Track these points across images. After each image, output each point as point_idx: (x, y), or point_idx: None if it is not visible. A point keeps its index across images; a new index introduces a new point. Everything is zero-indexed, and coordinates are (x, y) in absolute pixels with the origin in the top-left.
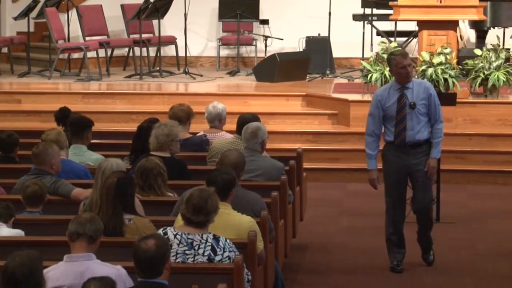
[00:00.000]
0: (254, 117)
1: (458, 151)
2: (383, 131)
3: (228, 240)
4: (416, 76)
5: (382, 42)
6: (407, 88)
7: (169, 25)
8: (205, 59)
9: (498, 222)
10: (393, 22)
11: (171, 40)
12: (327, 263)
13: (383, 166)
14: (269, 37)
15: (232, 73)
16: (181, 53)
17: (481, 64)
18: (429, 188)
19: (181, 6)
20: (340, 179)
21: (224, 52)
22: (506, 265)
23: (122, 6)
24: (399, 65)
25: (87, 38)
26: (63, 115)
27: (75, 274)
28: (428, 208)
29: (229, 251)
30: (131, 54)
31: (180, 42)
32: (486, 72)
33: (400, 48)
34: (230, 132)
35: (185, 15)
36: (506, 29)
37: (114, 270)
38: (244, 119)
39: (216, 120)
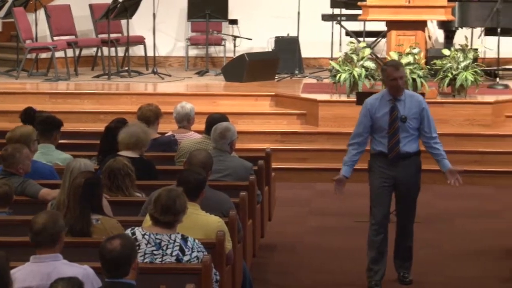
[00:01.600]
0: (223, 117)
1: (425, 151)
2: (369, 141)
3: (196, 240)
4: None
5: (351, 42)
6: (399, 100)
7: (138, 25)
8: (173, 59)
9: (465, 222)
10: (362, 22)
11: (140, 40)
12: (295, 263)
13: (369, 178)
14: (238, 37)
15: (201, 73)
16: (150, 53)
17: (449, 64)
18: (414, 201)
19: (149, 6)
20: (309, 179)
21: (193, 52)
22: (474, 265)
23: (91, 6)
24: (389, 77)
25: (55, 38)
26: (28, 117)
27: (42, 275)
28: (411, 223)
29: (198, 251)
30: (99, 54)
31: (149, 42)
32: (454, 72)
33: (395, 59)
34: (199, 132)
35: (154, 15)
36: (474, 29)
37: (82, 270)
38: (213, 119)
39: (185, 120)
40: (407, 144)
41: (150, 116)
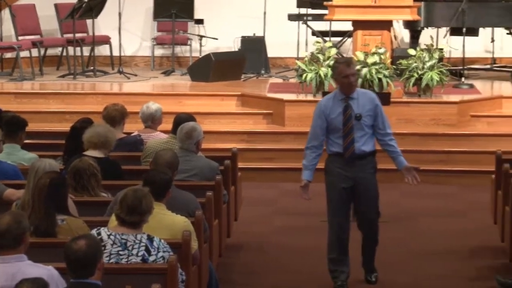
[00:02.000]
0: (190, 117)
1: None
2: (325, 142)
3: (162, 241)
4: None
5: (317, 42)
6: (351, 98)
7: (103, 24)
8: (139, 58)
9: (430, 221)
10: (328, 22)
11: (105, 40)
12: (261, 262)
13: (326, 180)
14: (204, 36)
15: (167, 73)
16: (116, 53)
17: (415, 64)
18: (374, 200)
19: (115, 6)
20: (275, 178)
21: (159, 51)
22: (440, 264)
23: (56, 5)
24: (341, 74)
25: (20, 38)
26: None
27: (7, 275)
28: (374, 223)
29: (163, 251)
30: (64, 53)
31: (115, 41)
32: (419, 72)
33: (346, 56)
34: (167, 132)
35: (120, 14)
36: (439, 29)
37: (46, 271)
38: (180, 119)
39: (149, 120)
40: (362, 143)
41: (115, 116)
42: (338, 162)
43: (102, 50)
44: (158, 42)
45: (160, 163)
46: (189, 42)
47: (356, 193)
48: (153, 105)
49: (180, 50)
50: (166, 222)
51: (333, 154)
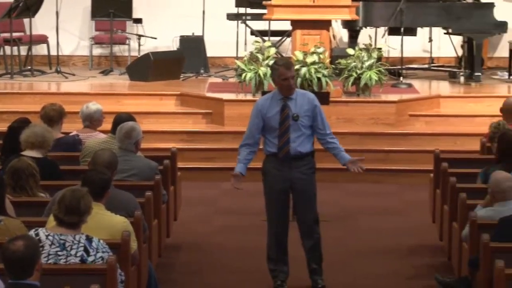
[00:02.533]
0: (130, 117)
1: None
2: (262, 141)
3: (101, 241)
4: None
5: (256, 41)
6: (290, 98)
7: (41, 23)
8: (77, 58)
9: (369, 220)
10: (267, 22)
11: (43, 39)
12: (201, 262)
13: (263, 181)
14: (143, 36)
15: (105, 72)
16: (53, 52)
17: (354, 64)
18: (311, 201)
19: (52, 5)
20: (215, 178)
21: (97, 51)
22: (378, 263)
23: None
24: (281, 76)
25: None
26: None
27: None
28: (314, 223)
29: (102, 252)
30: (1, 53)
31: (52, 41)
32: (358, 72)
33: (285, 57)
34: (106, 132)
35: (57, 13)
36: (378, 28)
37: None
38: (120, 119)
39: (87, 120)
40: (298, 143)
41: (53, 115)
42: (274, 163)
43: (40, 50)
44: (96, 41)
45: (98, 163)
46: (127, 42)
47: (294, 194)
48: (93, 106)
49: (118, 49)
50: (105, 222)
51: (270, 155)
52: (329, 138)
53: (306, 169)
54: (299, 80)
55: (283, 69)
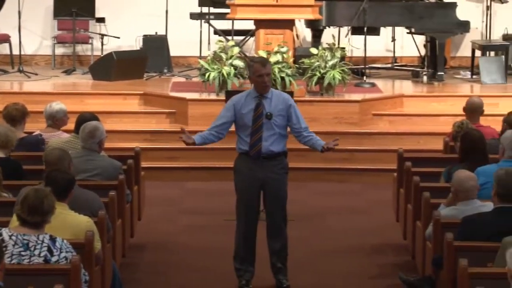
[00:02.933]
0: (94, 116)
1: (297, 149)
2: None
3: (65, 241)
4: None
5: (220, 41)
6: (265, 97)
7: (3, 23)
8: (40, 57)
9: (334, 219)
10: (231, 21)
11: (5, 38)
12: (166, 262)
13: (234, 179)
14: (106, 35)
15: (68, 72)
16: (16, 52)
17: (317, 63)
18: (282, 201)
19: (14, 4)
20: (179, 177)
21: (60, 50)
22: (343, 262)
23: None
24: (256, 73)
25: None
26: None
27: None
28: (282, 223)
29: (66, 252)
30: None
31: (14, 40)
32: (322, 71)
33: (262, 56)
34: (69, 131)
35: (19, 13)
36: (341, 28)
37: None
38: (84, 118)
39: (50, 120)
40: (270, 142)
41: (16, 115)
42: (246, 162)
43: (2, 49)
44: (59, 40)
45: (50, 161)
46: (90, 41)
47: (265, 194)
48: (57, 105)
49: (81, 48)
50: (69, 222)
51: (242, 153)
52: (306, 132)
53: (278, 169)
54: None
55: (258, 66)
